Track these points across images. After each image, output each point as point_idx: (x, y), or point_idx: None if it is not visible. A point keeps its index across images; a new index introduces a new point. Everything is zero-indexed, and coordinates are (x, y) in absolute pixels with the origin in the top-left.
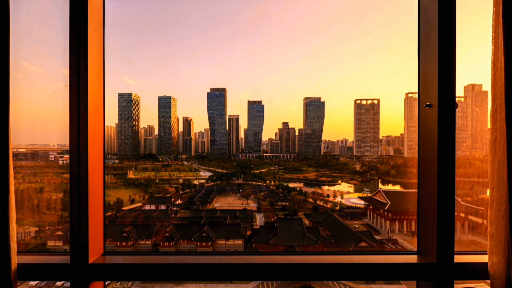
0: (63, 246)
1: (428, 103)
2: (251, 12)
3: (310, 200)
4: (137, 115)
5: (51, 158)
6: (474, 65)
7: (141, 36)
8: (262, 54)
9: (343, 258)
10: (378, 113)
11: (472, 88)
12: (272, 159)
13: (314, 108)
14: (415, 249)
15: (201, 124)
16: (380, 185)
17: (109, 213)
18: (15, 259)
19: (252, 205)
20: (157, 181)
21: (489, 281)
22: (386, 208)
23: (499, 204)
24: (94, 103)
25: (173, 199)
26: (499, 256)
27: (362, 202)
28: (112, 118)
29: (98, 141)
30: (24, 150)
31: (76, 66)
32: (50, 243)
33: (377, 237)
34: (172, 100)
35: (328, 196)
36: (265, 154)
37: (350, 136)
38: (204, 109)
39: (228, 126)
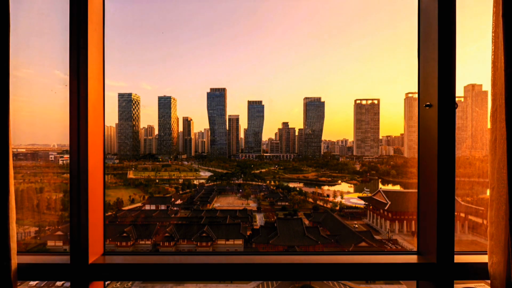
0: (63, 246)
1: (428, 103)
2: (251, 12)
3: (310, 200)
4: (137, 115)
5: (51, 158)
6: (474, 65)
7: (141, 36)
8: (262, 54)
9: (343, 258)
10: (378, 113)
11: (472, 88)
12: (272, 159)
13: (314, 108)
14: (415, 249)
15: (201, 124)
16: (380, 185)
17: (109, 213)
18: (15, 259)
19: (252, 205)
20: (157, 181)
21: (489, 281)
22: (386, 208)
23: (499, 204)
24: (94, 103)
25: (173, 199)
26: (499, 256)
27: (362, 202)
28: (112, 118)
29: (98, 141)
30: (24, 150)
31: (76, 66)
32: (50, 243)
33: (377, 237)
34: (172, 100)
35: (328, 196)
36: (265, 154)
37: (350, 136)
38: (204, 109)
39: (228, 126)
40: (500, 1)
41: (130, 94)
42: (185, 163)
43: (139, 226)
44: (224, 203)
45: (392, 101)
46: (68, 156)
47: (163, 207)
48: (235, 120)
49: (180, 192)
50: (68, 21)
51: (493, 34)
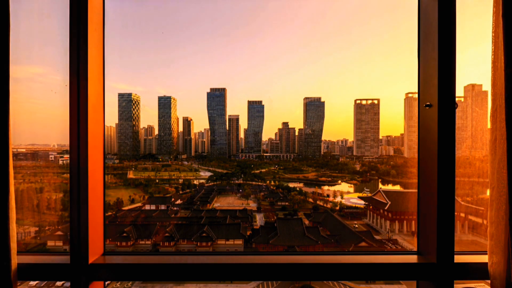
0: (63, 246)
1: (428, 103)
2: (252, 13)
3: (310, 200)
4: (137, 115)
5: (51, 158)
6: (474, 65)
7: (141, 36)
8: (262, 54)
9: (343, 258)
10: (378, 113)
11: (472, 88)
12: (272, 159)
13: (314, 108)
14: (415, 249)
15: (201, 124)
16: (380, 185)
17: (109, 213)
18: (15, 259)
19: (252, 205)
20: (157, 181)
21: (489, 281)
22: (386, 208)
23: (499, 204)
24: (94, 103)
25: (173, 199)
26: (499, 256)
27: (362, 202)
28: (112, 118)
29: (98, 141)
30: (24, 150)
31: (76, 66)
32: (50, 243)
33: (377, 237)
34: (172, 100)
35: (328, 196)
36: (265, 154)
37: (350, 136)
38: (204, 109)
39: (228, 126)
40: (500, 1)
41: (130, 94)
42: (185, 163)
43: (139, 226)
44: (224, 203)
45: (392, 101)
46: (68, 156)
47: (163, 207)
48: (235, 120)
49: (180, 192)
50: (68, 21)
51: (493, 34)
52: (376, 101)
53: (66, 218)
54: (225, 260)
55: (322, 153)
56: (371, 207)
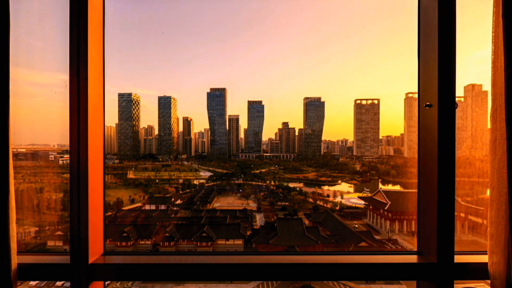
0: (63, 246)
1: (428, 103)
2: (251, 12)
3: (310, 200)
4: (137, 115)
5: (51, 158)
6: (474, 65)
7: (141, 36)
8: (262, 54)
9: (343, 258)
10: (378, 113)
11: (472, 88)
12: (272, 159)
13: (314, 108)
14: (415, 249)
15: (201, 124)
16: (380, 185)
17: (109, 213)
18: (15, 259)
19: (252, 205)
20: (157, 181)
21: (489, 281)
22: (386, 208)
23: (499, 204)
24: (94, 103)
25: (173, 199)
26: (499, 256)
27: (362, 202)
28: (112, 118)
29: (98, 141)
30: (24, 150)
31: (76, 66)
32: (50, 243)
33: (377, 237)
34: (172, 100)
35: (328, 196)
36: (265, 154)
37: (350, 136)
38: (204, 109)
39: (228, 126)
40: (500, 1)
41: (130, 94)
42: (185, 163)
43: (139, 226)
44: (224, 203)
45: (392, 101)
46: (68, 156)
47: (163, 207)
48: (235, 120)
49: (180, 192)
50: (68, 21)
51: (493, 34)
52: (376, 101)
53: (66, 218)
54: (225, 260)
55: (322, 153)
56: (371, 207)
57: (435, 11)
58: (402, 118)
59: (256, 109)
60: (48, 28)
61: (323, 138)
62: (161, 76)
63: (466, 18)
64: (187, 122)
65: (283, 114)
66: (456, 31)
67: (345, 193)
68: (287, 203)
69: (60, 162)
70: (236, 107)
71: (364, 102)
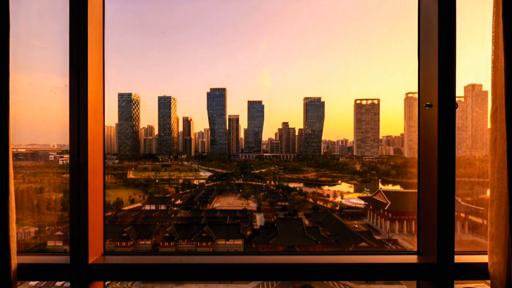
0: (63, 246)
1: (428, 103)
2: (251, 12)
3: (310, 200)
4: (137, 115)
5: (51, 158)
6: (474, 65)
7: (141, 36)
8: (262, 54)
9: (343, 258)
10: (378, 113)
11: (472, 88)
12: (272, 159)
13: (314, 108)
14: (415, 249)
15: (201, 124)
16: (380, 185)
17: (109, 213)
18: (15, 259)
19: (252, 205)
20: (157, 181)
21: (489, 281)
22: (386, 208)
23: (499, 204)
24: (94, 103)
25: (173, 199)
26: (499, 256)
27: (362, 202)
28: (112, 118)
29: (98, 141)
30: (24, 150)
31: (76, 66)
32: (50, 243)
33: (377, 237)
34: (172, 100)
35: (328, 196)
36: (265, 154)
37: (350, 136)
38: (204, 109)
39: (228, 126)
40: (500, 0)
41: (130, 94)
42: (185, 163)
43: (139, 226)
44: (224, 203)
45: (392, 101)
46: (68, 156)
47: (163, 207)
48: (235, 120)
49: (180, 192)
50: (68, 20)
51: (493, 34)
52: (376, 101)
53: (66, 218)
54: (225, 260)
55: (322, 153)
56: (371, 207)
57: (435, 11)
58: (402, 118)
59: (256, 109)
60: (48, 28)
61: (323, 138)
62: (161, 76)
63: (466, 18)
64: (187, 122)
65: (283, 114)
66: (456, 31)
67: (345, 193)
68: (287, 203)
69: (60, 162)
70: (236, 107)
71: (364, 102)
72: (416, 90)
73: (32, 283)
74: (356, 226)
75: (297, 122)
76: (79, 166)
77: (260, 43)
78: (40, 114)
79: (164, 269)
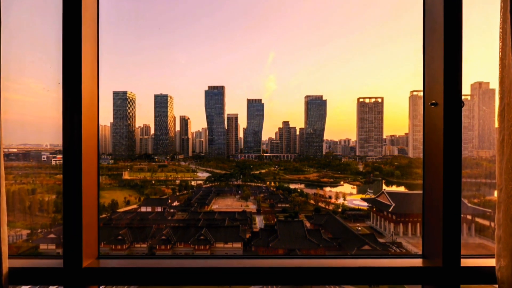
0: (56, 250)
1: (433, 102)
2: (250, 7)
3: (312, 201)
4: (132, 114)
5: (44, 158)
6: (481, 62)
7: (137, 32)
8: (261, 50)
9: (345, 262)
10: (382, 111)
11: (479, 86)
12: (272, 160)
13: (315, 107)
14: (420, 252)
15: (198, 123)
16: (384, 186)
17: (104, 215)
18: (7, 263)
19: (251, 207)
20: (153, 182)
21: (496, 286)
22: (390, 210)
23: (507, 205)
24: (88, 101)
25: (169, 201)
26: (507, 259)
27: (365, 204)
28: (106, 117)
29: (92, 140)
30: (15, 150)
31: (69, 63)
32: (43, 246)
33: (380, 240)
34: (168, 98)
35: (330, 197)
36: (265, 154)
37: (352, 136)
38: (202, 107)
39: (227, 125)
40: None
41: (125, 92)
42: (182, 163)
43: (135, 229)
44: (222, 205)
45: (397, 99)
46: (61, 156)
47: (159, 209)
48: (234, 119)
49: (177, 193)
50: (61, 17)
51: (501, 30)
52: (379, 100)
53: (59, 221)
54: (224, 264)
55: (324, 153)
56: (374, 209)
57: (441, 7)
58: (406, 117)
59: (255, 108)
60: (40, 24)
61: (325, 137)
62: (158, 73)
63: (472, 14)
64: (184, 121)
65: (284, 112)
66: (462, 27)
67: (348, 194)
68: (287, 205)
69: (53, 162)
70: (235, 106)
71: (367, 100)
72: (421, 88)
73: (24, 287)
74: (359, 228)
75: (298, 121)
76: (73, 167)
77: (260, 40)
78: (32, 113)
79: (160, 273)
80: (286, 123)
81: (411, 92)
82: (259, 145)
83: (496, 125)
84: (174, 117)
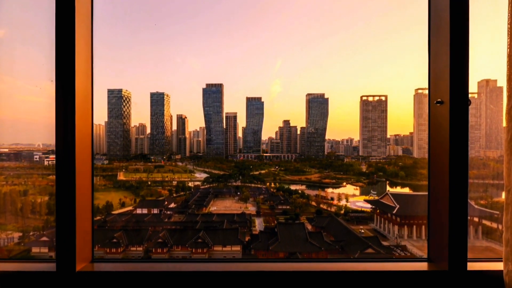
0: (49, 253)
1: (439, 100)
2: (250, 3)
3: (313, 203)
4: (127, 112)
5: (36, 158)
6: (488, 59)
7: (133, 28)
8: (261, 47)
9: (348, 266)
10: (386, 110)
11: (486, 84)
12: (272, 160)
13: (317, 105)
14: (425, 256)
15: (196, 122)
16: (388, 188)
17: (98, 218)
18: None
19: (251, 208)
20: (149, 183)
21: None
22: (394, 212)
23: None
24: (82, 99)
25: (166, 203)
26: None
27: (369, 205)
28: (101, 115)
29: (86, 140)
30: (7, 150)
31: (63, 60)
32: (35, 250)
33: (384, 243)
34: (165, 96)
35: (332, 199)
36: (264, 154)
37: (355, 135)
38: (200, 106)
39: (225, 124)
40: None
41: (120, 90)
42: (179, 163)
43: (130, 232)
44: (221, 206)
45: (401, 97)
46: (54, 156)
47: (155, 211)
48: (232, 118)
49: (174, 195)
50: (54, 12)
51: (509, 26)
52: (383, 98)
53: (52, 223)
54: (222, 268)
55: (325, 153)
56: (378, 211)
57: (447, 2)
58: (411, 115)
59: (255, 106)
60: (32, 20)
61: (327, 137)
62: (154, 71)
63: (479, 9)
64: (181, 120)
65: (284, 111)
66: (469, 22)
67: (351, 196)
68: (288, 207)
69: (46, 163)
70: (233, 104)
71: (370, 98)
72: (427, 86)
73: None
74: (362, 231)
75: (299, 120)
76: (66, 167)
77: (259, 36)
78: (24, 112)
79: (157, 277)
80: (286, 122)
81: (416, 90)
82: (258, 144)
83: (504, 124)
84: (171, 116)
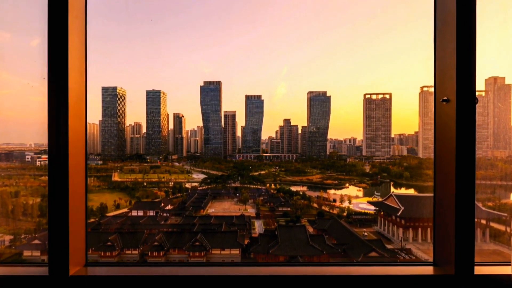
0: (41, 257)
1: (445, 98)
2: None
3: (315, 205)
4: (122, 111)
5: (28, 158)
6: (496, 56)
7: (128, 23)
8: (261, 43)
9: (351, 270)
10: (390, 109)
11: (494, 81)
12: (272, 160)
13: (319, 104)
14: (431, 259)
15: (193, 121)
16: (392, 189)
17: (92, 220)
18: None
19: (250, 210)
20: (145, 184)
21: None
22: (398, 214)
23: None
24: (75, 97)
25: (162, 204)
26: None
27: (372, 207)
28: (95, 114)
29: (80, 139)
30: None
31: (55, 57)
32: (27, 253)
33: (388, 246)
34: (161, 94)
35: (334, 200)
36: (264, 154)
37: (359, 135)
38: (197, 104)
39: (224, 123)
40: None
41: (115, 88)
42: (176, 164)
43: (125, 234)
44: (219, 208)
45: (406, 95)
46: (47, 156)
47: (151, 213)
48: (231, 117)
49: (171, 196)
50: (46, 6)
51: None
52: (387, 96)
53: (44, 226)
54: (221, 272)
55: (327, 153)
56: (382, 213)
57: None
58: (416, 114)
59: (254, 105)
60: (24, 15)
61: (329, 136)
62: (150, 68)
63: (486, 5)
64: (178, 119)
65: (285, 110)
66: (476, 19)
67: (353, 197)
68: (289, 209)
69: (38, 163)
70: (232, 103)
71: (374, 96)
72: (432, 84)
73: None
74: (366, 234)
75: (300, 119)
76: (59, 168)
77: (258, 32)
78: (15, 110)
79: (153, 282)
80: (287, 121)
81: (422, 87)
82: (258, 144)
83: None
84: (167, 115)
